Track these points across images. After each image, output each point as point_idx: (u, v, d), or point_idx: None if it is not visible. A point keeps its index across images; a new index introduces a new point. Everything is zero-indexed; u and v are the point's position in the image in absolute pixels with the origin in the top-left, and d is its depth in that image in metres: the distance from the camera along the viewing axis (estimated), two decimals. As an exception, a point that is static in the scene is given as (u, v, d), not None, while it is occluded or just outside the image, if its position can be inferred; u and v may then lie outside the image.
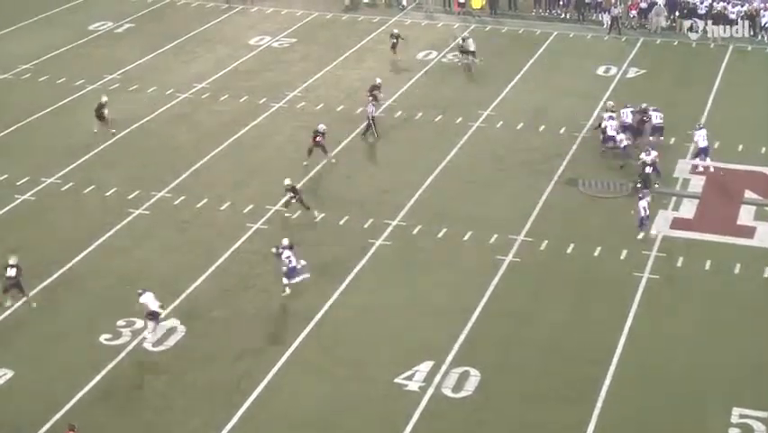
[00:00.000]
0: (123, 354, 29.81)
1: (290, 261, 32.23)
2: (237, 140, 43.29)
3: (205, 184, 39.52)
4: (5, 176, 39.36)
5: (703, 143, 40.28)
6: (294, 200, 36.75)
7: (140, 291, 30.31)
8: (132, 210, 37.32)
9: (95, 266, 34.21)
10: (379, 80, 46.28)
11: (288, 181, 36.77)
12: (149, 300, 30.13)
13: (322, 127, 40.60)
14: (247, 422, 27.28)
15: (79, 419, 26.49)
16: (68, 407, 27.55)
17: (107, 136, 42.83)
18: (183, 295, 32.55)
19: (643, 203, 35.36)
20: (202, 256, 34.70)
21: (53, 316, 31.51)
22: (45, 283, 33.02)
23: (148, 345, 30.10)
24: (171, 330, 30.90)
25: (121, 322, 31.05)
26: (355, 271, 34.07)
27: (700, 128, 40.72)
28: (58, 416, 27.18)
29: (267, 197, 38.37)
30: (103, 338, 30.39)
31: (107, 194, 38.28)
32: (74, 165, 40.68)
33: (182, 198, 38.49)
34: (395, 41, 52.03)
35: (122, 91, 47.87)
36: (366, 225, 36.67)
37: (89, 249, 35.04)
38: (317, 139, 40.21)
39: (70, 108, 46.10)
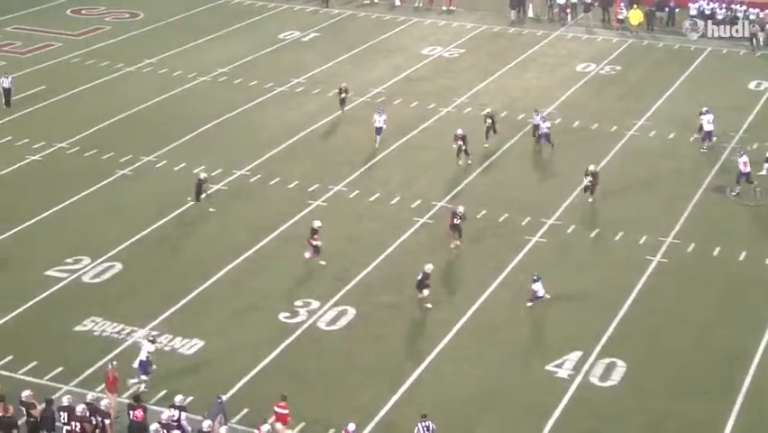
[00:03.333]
0: (299, 332, 30.21)
1: None
2: (408, 141, 43.42)
3: (377, 180, 39.77)
4: (202, 167, 40.13)
5: (708, 127, 41.65)
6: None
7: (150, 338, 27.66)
8: (312, 202, 37.82)
9: (276, 251, 34.75)
10: (460, 131, 40.58)
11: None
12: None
13: (459, 132, 40.27)
14: (411, 398, 27.34)
15: (258, 390, 26.98)
16: (248, 377, 28.06)
17: (285, 136, 43.50)
18: (354, 280, 32.80)
19: None
20: (373, 246, 34.93)
21: (239, 294, 32.12)
22: (232, 265, 33.64)
23: (321, 324, 30.49)
24: (342, 312, 31.19)
25: (298, 302, 31.45)
26: (512, 264, 33.81)
27: (707, 112, 41.96)
28: (240, 384, 27.69)
29: (433, 194, 38.42)
30: (282, 316, 30.85)
31: (290, 186, 38.88)
32: (262, 159, 41.39)
33: (356, 192, 38.81)
34: (461, 143, 40.43)
35: (306, 94, 48.55)
36: (523, 223, 36.34)
37: (272, 235, 35.60)
38: (460, 143, 39.76)
39: (261, 108, 46.91)
